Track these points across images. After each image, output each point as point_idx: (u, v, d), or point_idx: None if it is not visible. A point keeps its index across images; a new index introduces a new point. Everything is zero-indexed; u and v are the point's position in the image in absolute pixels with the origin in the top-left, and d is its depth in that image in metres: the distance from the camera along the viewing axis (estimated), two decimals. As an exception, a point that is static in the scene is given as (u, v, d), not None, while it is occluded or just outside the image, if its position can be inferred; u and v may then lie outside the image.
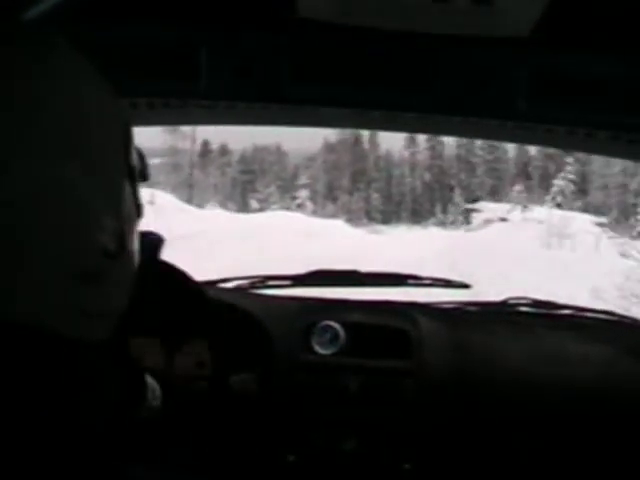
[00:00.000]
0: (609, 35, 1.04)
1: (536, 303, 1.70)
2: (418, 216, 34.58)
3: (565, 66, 1.11)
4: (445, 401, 1.46)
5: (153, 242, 1.05)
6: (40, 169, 0.50)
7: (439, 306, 1.70)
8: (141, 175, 0.67)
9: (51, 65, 0.53)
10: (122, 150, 0.58)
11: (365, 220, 32.95)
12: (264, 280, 1.71)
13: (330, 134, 36.60)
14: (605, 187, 31.40)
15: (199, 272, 1.33)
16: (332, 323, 1.51)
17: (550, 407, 1.46)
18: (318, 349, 1.50)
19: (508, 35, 1.06)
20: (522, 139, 1.39)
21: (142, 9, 1.05)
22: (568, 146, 1.47)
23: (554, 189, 29.02)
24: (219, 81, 1.14)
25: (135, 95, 1.16)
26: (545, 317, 1.68)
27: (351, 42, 1.11)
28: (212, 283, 1.62)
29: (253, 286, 1.69)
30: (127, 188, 0.59)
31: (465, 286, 1.74)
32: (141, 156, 0.68)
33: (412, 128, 1.48)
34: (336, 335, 1.50)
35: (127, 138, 0.60)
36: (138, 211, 0.62)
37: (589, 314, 1.69)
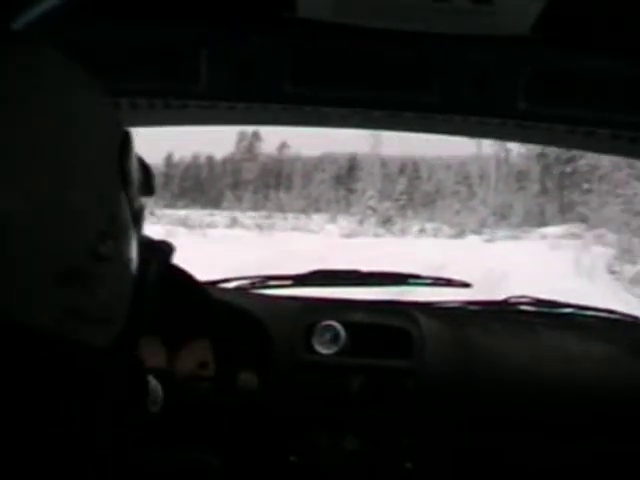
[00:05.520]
0: (609, 34, 1.04)
1: (537, 302, 1.69)
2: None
3: (566, 65, 1.11)
4: (446, 400, 1.45)
5: (164, 250, 1.05)
6: (30, 174, 0.51)
7: (440, 305, 1.69)
8: (146, 188, 0.67)
9: (42, 76, 0.53)
10: (116, 158, 0.58)
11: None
12: (265, 280, 1.71)
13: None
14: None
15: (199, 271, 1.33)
16: (333, 323, 1.50)
17: (551, 406, 1.45)
18: (319, 349, 1.49)
19: (508, 34, 1.06)
20: (523, 138, 1.39)
21: (142, 9, 1.05)
22: (569, 145, 1.47)
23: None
24: (219, 81, 1.14)
25: (135, 95, 1.16)
26: (546, 316, 1.68)
27: (351, 42, 1.11)
28: (213, 283, 1.62)
29: (254, 286, 1.69)
30: (121, 195, 0.59)
31: (466, 285, 1.74)
32: (146, 169, 0.68)
33: (412, 127, 1.48)
34: (337, 335, 1.50)
35: (124, 147, 0.60)
36: (136, 220, 0.62)
37: (590, 312, 1.69)
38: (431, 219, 25.36)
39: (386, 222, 24.90)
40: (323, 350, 1.49)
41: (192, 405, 1.15)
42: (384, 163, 28.36)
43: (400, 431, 1.45)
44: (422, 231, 23.55)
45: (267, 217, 25.25)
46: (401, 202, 26.82)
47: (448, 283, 1.74)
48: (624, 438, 1.44)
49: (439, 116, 1.20)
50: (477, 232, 22.82)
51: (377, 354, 1.49)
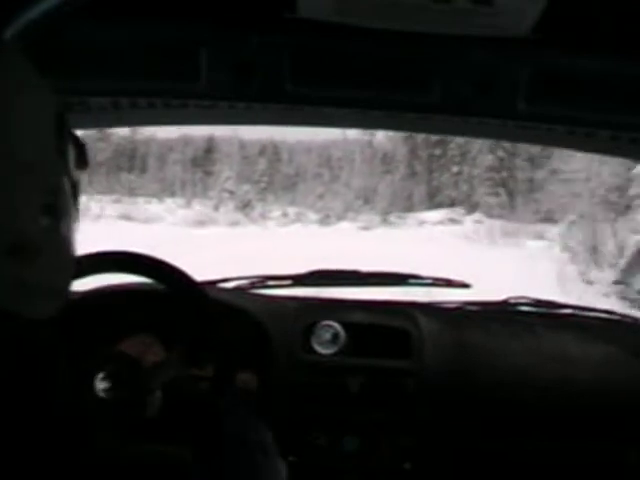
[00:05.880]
0: (609, 34, 1.04)
1: (536, 302, 1.70)
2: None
3: (565, 65, 1.11)
4: (445, 400, 1.46)
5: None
6: None
7: (439, 306, 1.70)
8: (80, 162, 0.69)
9: None
10: (52, 133, 0.60)
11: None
12: (264, 280, 1.71)
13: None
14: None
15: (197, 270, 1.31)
16: (332, 323, 1.51)
17: (550, 406, 1.46)
18: (318, 349, 1.50)
19: (508, 35, 1.06)
20: (523, 139, 1.39)
21: (142, 9, 1.05)
22: (569, 145, 1.47)
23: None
24: (219, 81, 1.14)
25: (135, 95, 1.16)
26: (545, 317, 1.68)
27: (351, 42, 1.11)
28: (212, 283, 1.62)
29: (253, 286, 1.69)
30: (60, 168, 0.61)
31: (465, 286, 1.74)
32: (80, 144, 0.70)
33: (412, 128, 1.48)
34: (336, 335, 1.50)
35: (60, 122, 0.62)
36: (74, 193, 0.65)
37: (589, 313, 1.69)
38: (293, 203, 23.74)
39: (245, 206, 23.15)
40: (322, 350, 1.49)
41: (190, 405, 1.15)
42: (243, 145, 27.06)
43: (399, 431, 1.45)
44: (285, 215, 21.76)
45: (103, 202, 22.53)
46: (261, 185, 25.25)
47: (447, 283, 1.74)
48: (623, 439, 1.44)
49: (439, 116, 1.20)
50: (347, 218, 20.82)
51: (376, 354, 1.49)
